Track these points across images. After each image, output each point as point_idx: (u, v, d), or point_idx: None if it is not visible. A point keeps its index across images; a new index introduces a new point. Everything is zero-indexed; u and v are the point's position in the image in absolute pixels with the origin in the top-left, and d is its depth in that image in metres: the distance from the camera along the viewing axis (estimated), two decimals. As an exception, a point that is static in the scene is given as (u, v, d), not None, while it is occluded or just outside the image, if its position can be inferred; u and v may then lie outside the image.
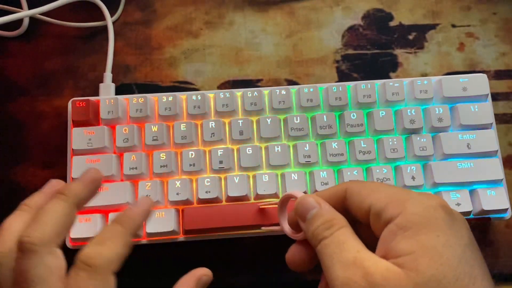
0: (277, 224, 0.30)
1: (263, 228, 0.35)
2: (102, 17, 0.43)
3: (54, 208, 0.28)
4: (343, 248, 0.24)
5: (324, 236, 0.26)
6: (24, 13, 0.39)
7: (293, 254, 0.28)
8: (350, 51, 0.44)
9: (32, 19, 0.44)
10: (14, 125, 0.42)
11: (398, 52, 0.44)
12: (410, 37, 0.44)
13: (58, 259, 0.26)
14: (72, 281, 0.25)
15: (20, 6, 0.43)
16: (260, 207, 0.36)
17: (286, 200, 0.30)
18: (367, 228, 0.26)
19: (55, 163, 0.41)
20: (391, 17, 0.45)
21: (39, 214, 0.27)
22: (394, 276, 0.23)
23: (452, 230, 0.24)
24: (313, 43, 0.44)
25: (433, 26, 0.44)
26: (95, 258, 0.25)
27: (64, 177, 0.38)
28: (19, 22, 0.43)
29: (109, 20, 0.43)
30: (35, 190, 0.30)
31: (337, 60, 0.44)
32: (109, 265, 0.26)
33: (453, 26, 0.44)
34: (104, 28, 0.43)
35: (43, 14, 0.42)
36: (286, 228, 0.29)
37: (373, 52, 0.44)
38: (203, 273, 0.36)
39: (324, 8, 0.45)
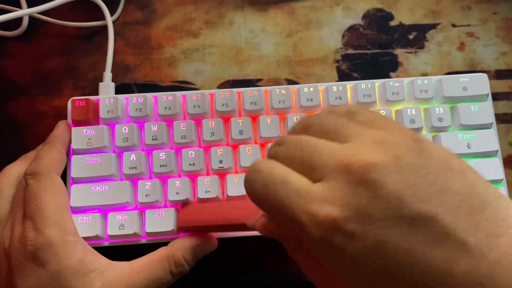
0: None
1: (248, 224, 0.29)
2: (102, 17, 0.43)
3: (46, 148, 0.35)
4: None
5: None
6: (23, 12, 0.39)
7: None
8: (350, 51, 0.44)
9: (31, 18, 0.44)
10: (13, 125, 0.42)
11: (398, 51, 0.44)
12: (411, 36, 0.44)
13: (57, 183, 0.33)
14: (26, 190, 0.32)
15: (19, 6, 0.43)
16: None
17: None
18: None
19: (55, 163, 0.41)
20: (391, 17, 0.45)
21: (37, 155, 0.35)
22: None
23: None
24: (313, 42, 0.44)
25: (433, 26, 0.44)
26: (35, 167, 0.32)
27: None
28: (18, 21, 0.43)
29: (109, 20, 0.43)
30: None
31: (337, 60, 0.43)
32: (50, 168, 0.33)
33: (454, 25, 0.44)
34: (104, 28, 0.43)
35: (42, 13, 0.42)
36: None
37: (373, 51, 0.44)
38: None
39: (324, 8, 0.45)
